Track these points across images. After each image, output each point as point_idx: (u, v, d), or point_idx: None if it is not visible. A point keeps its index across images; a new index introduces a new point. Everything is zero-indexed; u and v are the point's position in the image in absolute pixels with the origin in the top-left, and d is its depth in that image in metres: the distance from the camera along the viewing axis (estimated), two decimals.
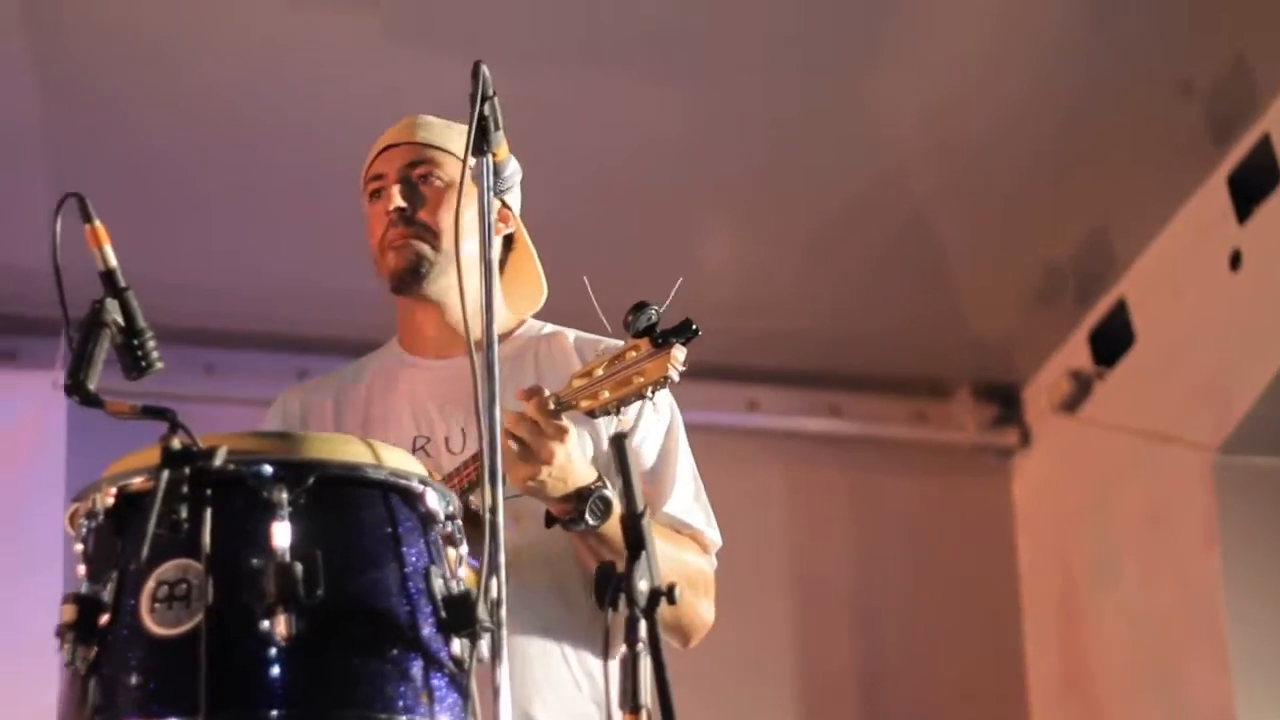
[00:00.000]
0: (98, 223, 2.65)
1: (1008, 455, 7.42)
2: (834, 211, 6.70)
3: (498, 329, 3.07)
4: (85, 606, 2.51)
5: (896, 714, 7.25)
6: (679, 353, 3.08)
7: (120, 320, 2.63)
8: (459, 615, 2.60)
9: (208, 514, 2.49)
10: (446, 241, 3.37)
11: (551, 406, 3.13)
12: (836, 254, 6.86)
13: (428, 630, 2.59)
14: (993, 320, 7.14)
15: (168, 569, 2.51)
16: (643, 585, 2.57)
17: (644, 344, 3.10)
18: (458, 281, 3.16)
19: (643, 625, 2.55)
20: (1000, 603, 7.33)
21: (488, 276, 2.88)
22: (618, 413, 3.14)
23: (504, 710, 2.64)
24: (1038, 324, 7.12)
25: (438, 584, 2.62)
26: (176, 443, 2.48)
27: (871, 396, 7.37)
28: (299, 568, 2.47)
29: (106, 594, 2.53)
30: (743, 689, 7.02)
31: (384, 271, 3.44)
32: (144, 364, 2.64)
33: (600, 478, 3.21)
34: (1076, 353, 7.07)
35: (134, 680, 2.49)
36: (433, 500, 2.66)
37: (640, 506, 2.62)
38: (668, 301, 3.11)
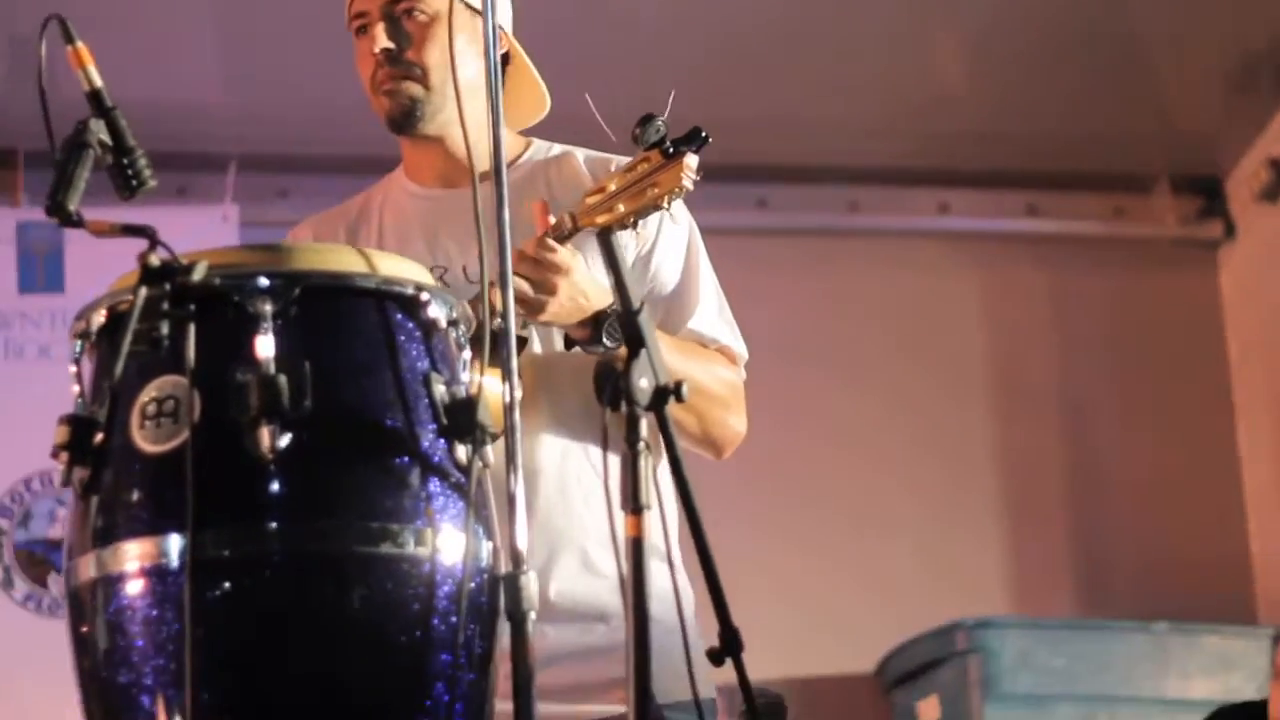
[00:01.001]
0: (80, 44, 2.60)
1: (1212, 248, 7.20)
2: (1025, 4, 6.49)
3: (506, 154, 3.01)
4: (78, 426, 2.48)
5: (1105, 509, 7.11)
6: (691, 160, 3.00)
7: (108, 140, 2.59)
8: (461, 421, 2.53)
9: (191, 330, 2.44)
10: (437, 78, 3.30)
11: (568, 225, 3.08)
12: (1027, 49, 6.65)
13: (427, 437, 2.51)
14: (1190, 111, 6.90)
15: (157, 386, 2.47)
16: (643, 383, 2.48)
17: (655, 155, 3.02)
18: (458, 114, 3.08)
19: (643, 424, 2.46)
20: (1211, 398, 7.15)
21: (495, 111, 2.75)
22: (635, 226, 3.07)
23: (519, 519, 2.56)
24: (1237, 113, 6.85)
25: (439, 390, 2.54)
26: (155, 259, 2.43)
27: (1068, 194, 7.20)
28: (283, 380, 2.42)
29: (101, 414, 2.50)
30: (947, 489, 6.95)
31: (378, 111, 3.37)
32: (135, 182, 2.60)
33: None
34: (1277, 141, 6.79)
35: (129, 498, 2.46)
36: (434, 307, 2.58)
37: (635, 304, 2.52)
38: (666, 112, 3.03)
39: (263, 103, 6.39)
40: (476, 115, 2.95)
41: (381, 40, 3.29)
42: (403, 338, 2.56)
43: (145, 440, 2.46)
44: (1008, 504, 7.03)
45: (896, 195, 7.12)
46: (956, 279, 7.12)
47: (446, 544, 2.49)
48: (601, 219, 3.06)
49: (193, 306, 2.45)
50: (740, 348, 3.38)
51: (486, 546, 2.56)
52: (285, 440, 2.42)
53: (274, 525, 2.44)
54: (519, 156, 3.42)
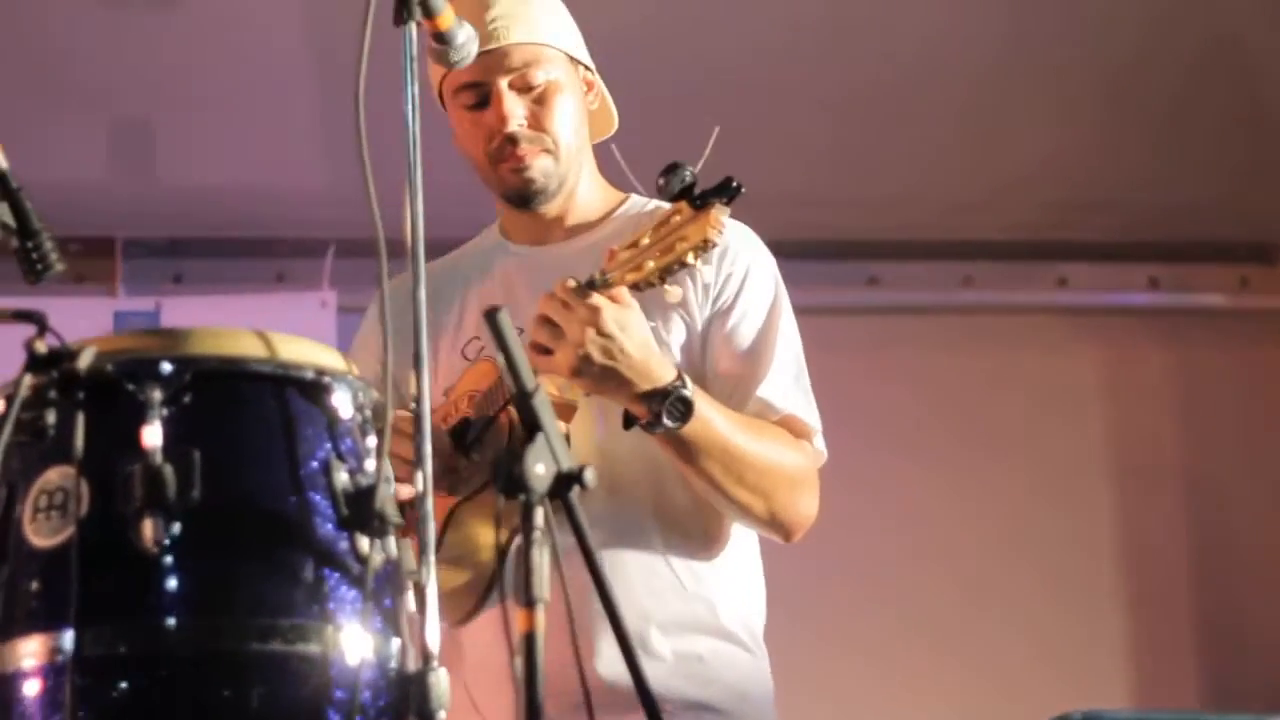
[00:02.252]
0: None
1: None
2: (1144, 71, 6.32)
3: (600, 209, 2.95)
4: None
5: (1234, 594, 6.85)
6: (719, 213, 2.87)
7: (11, 223, 2.54)
8: (362, 511, 2.44)
9: (79, 419, 2.39)
10: (565, 150, 3.27)
11: (596, 280, 2.97)
12: (1146, 117, 6.48)
13: (325, 528, 2.42)
14: None
15: (48, 477, 2.41)
16: (539, 469, 2.37)
17: (684, 207, 2.90)
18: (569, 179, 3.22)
19: (538, 513, 2.35)
20: None
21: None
22: (662, 283, 2.95)
23: (430, 622, 2.45)
24: None
25: (340, 479, 2.44)
26: (42, 346, 2.38)
27: (1191, 265, 6.97)
28: (168, 470, 2.35)
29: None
30: (1065, 572, 6.75)
31: (495, 186, 3.33)
32: (40, 267, 2.55)
33: (681, 376, 3.02)
34: None
35: (23, 593, 2.39)
36: (338, 392, 2.49)
37: (530, 385, 2.41)
38: (705, 154, 2.94)
39: (360, 187, 6.39)
40: (582, 177, 3.22)
41: (516, 116, 3.24)
42: (302, 423, 2.47)
43: (36, 534, 2.40)
44: (1129, 589, 6.80)
45: (1012, 269, 6.95)
46: (1076, 354, 6.92)
47: (348, 641, 2.39)
48: (630, 277, 2.95)
49: (82, 395, 2.40)
50: (813, 420, 3.24)
51: (394, 643, 2.46)
52: (174, 531, 2.35)
53: (167, 621, 2.35)
54: (614, 210, 3.37)
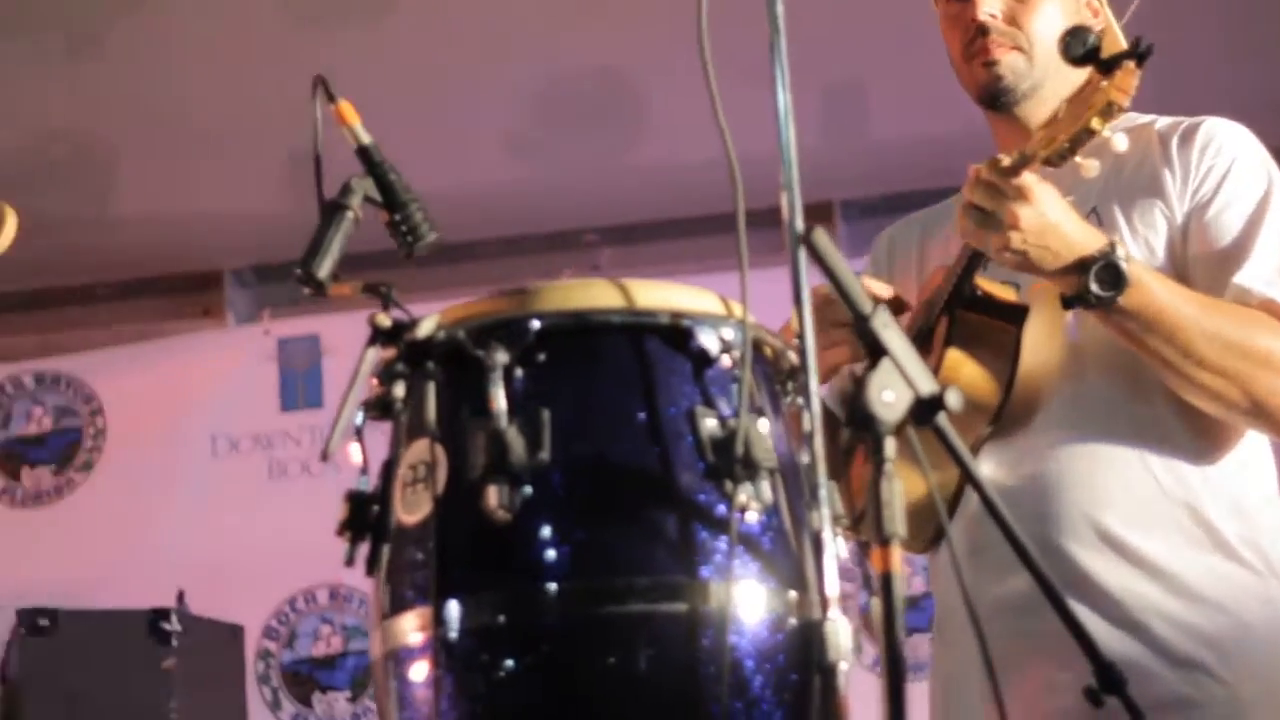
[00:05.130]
0: (342, 101, 2.52)
1: None
2: None
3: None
4: (354, 503, 2.39)
5: None
6: (1126, 75, 2.66)
7: (377, 197, 2.49)
8: (730, 457, 2.25)
9: (430, 389, 2.32)
10: (1040, 50, 3.06)
11: (1006, 163, 2.77)
12: None
13: (688, 478, 2.26)
14: None
15: (411, 452, 2.36)
16: (887, 396, 2.13)
17: (1093, 74, 2.72)
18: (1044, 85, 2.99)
19: (888, 444, 2.11)
20: None
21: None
22: (1073, 155, 2.73)
23: (829, 561, 2.24)
24: None
25: (707, 425, 2.28)
26: (384, 319, 2.32)
27: None
28: (511, 433, 2.24)
29: (377, 486, 2.41)
30: None
31: (969, 86, 3.15)
32: (410, 238, 2.49)
33: (1112, 245, 2.79)
34: None
35: (398, 571, 2.35)
36: (702, 335, 2.33)
37: (865, 308, 2.17)
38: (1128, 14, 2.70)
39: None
40: (1066, 90, 2.87)
41: (989, 4, 3.08)
42: (662, 371, 2.32)
43: (404, 510, 2.35)
44: None
45: None
46: None
47: (735, 595, 2.23)
48: (1043, 153, 2.76)
49: (431, 364, 2.33)
50: None
51: (789, 595, 2.28)
52: (526, 494, 2.24)
53: (544, 588, 2.24)
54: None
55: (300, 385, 6.72)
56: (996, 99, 3.08)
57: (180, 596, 5.80)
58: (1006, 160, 2.77)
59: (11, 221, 2.54)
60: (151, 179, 6.33)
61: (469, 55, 5.89)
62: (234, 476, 6.59)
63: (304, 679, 6.57)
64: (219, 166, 6.15)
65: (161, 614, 5.53)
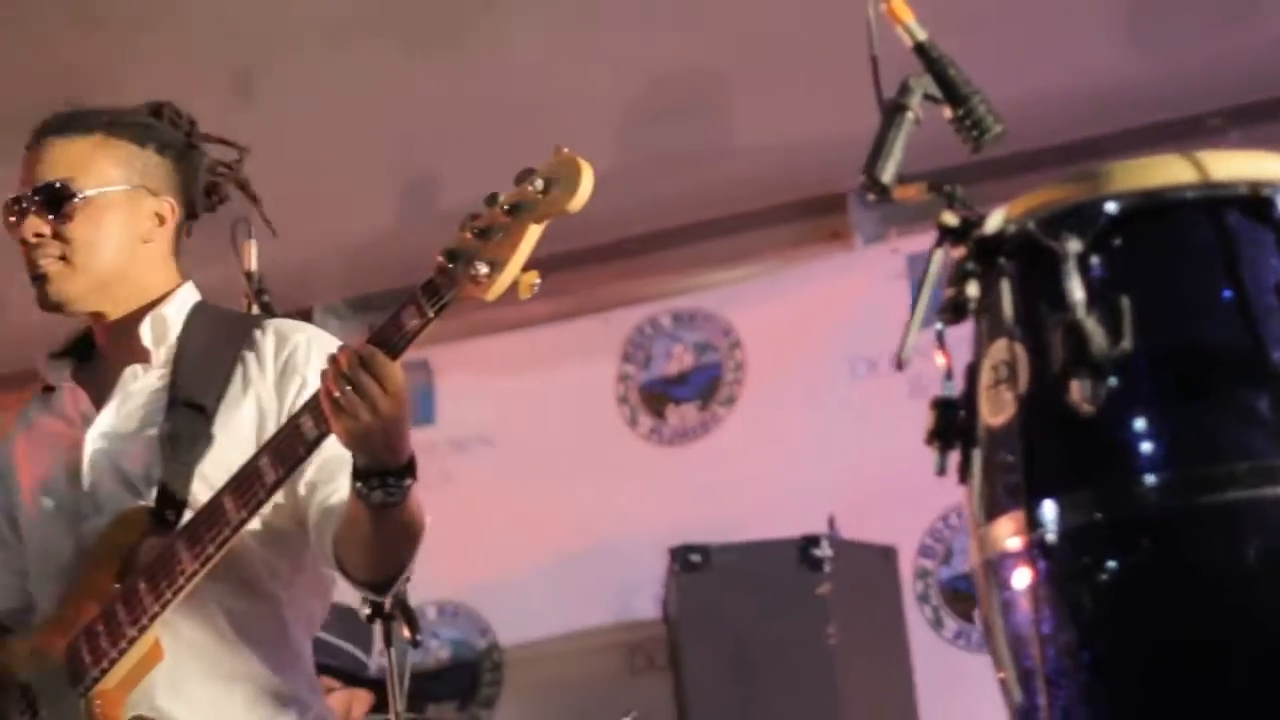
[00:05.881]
0: None
1: None
2: None
3: None
4: (941, 410, 2.34)
5: None
6: None
7: (937, 94, 2.42)
8: None
9: (1004, 285, 2.24)
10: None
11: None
12: None
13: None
14: None
15: (993, 353, 2.29)
16: None
17: None
18: None
19: None
20: None
21: None
22: None
23: None
24: None
25: None
26: (951, 217, 2.26)
27: None
28: (1090, 324, 2.15)
29: (960, 391, 2.35)
30: None
31: None
32: (975, 132, 2.41)
33: None
34: None
35: (989, 476, 2.29)
36: None
37: None
38: None
39: None
40: None
41: None
42: (1245, 247, 2.19)
43: (990, 413, 2.29)
44: None
45: None
46: None
47: None
48: None
49: (1002, 260, 2.25)
50: None
51: None
52: (1111, 385, 2.14)
53: (1142, 480, 2.15)
54: None
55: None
56: None
57: (830, 522, 5.81)
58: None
59: (587, 175, 2.56)
60: (767, 108, 6.34)
61: None
62: (875, 398, 6.49)
63: (963, 595, 6.30)
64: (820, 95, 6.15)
65: (812, 541, 5.53)
